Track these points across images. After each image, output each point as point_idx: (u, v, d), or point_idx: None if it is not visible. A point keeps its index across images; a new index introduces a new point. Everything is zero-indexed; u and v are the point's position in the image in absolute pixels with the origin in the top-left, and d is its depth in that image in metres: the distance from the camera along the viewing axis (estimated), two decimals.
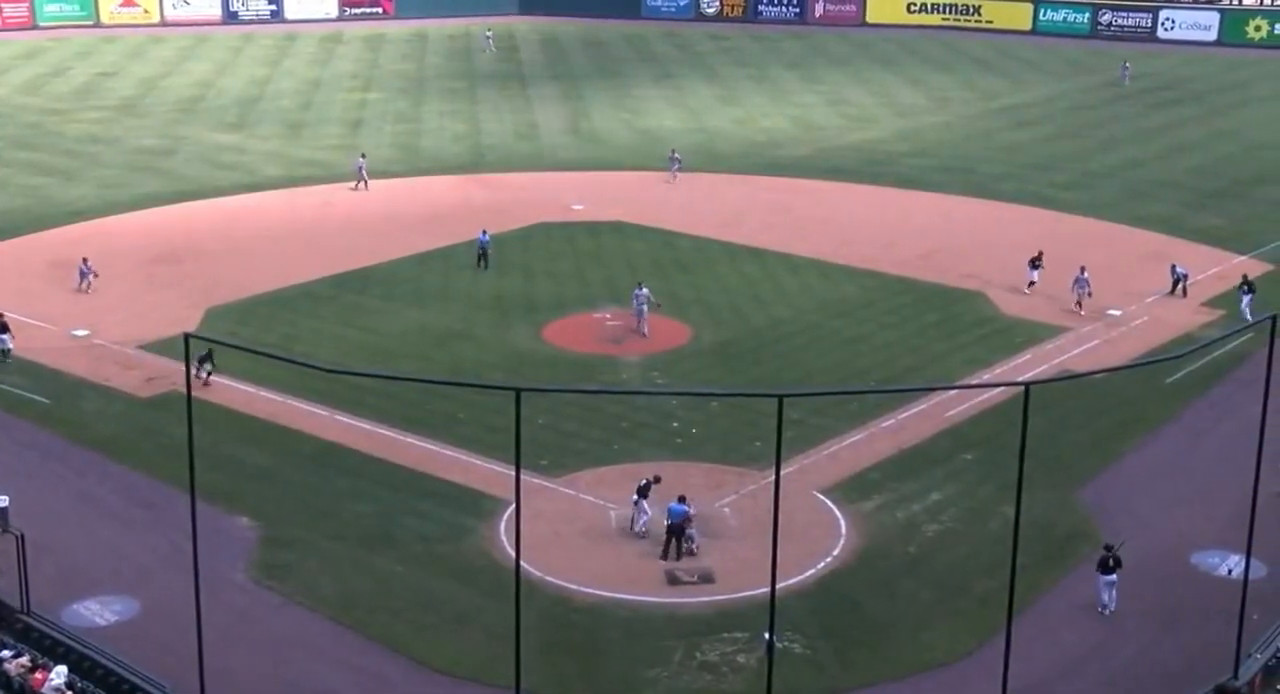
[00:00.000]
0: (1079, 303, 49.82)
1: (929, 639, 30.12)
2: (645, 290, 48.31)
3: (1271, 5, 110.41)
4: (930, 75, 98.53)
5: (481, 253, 55.20)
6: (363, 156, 69.17)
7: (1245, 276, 50.36)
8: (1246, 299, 48.93)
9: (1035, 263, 52.29)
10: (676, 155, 70.05)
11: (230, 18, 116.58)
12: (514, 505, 25.48)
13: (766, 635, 24.34)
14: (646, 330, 47.65)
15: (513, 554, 26.79)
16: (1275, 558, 31.78)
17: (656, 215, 62.80)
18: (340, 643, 29.83)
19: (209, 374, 41.96)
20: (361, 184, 67.54)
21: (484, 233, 55.95)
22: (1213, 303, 50.98)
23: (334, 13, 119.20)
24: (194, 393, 25.26)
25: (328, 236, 59.69)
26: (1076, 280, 50.10)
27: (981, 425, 40.20)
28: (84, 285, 51.25)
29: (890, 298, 52.18)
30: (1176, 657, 29.41)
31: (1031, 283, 51.88)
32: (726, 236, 59.66)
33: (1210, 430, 40.68)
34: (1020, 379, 41.64)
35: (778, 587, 23.28)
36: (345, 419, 40.50)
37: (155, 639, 29.06)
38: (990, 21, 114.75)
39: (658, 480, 34.44)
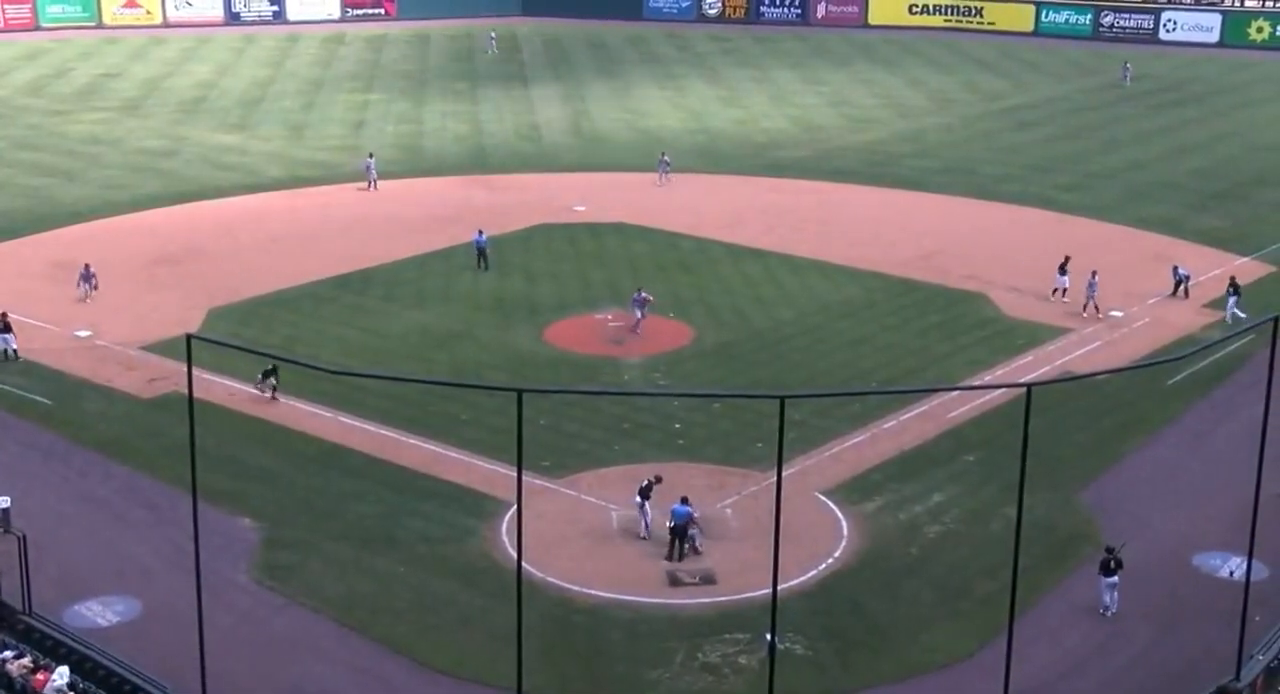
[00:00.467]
0: (1095, 307, 49.63)
1: (931, 640, 30.11)
2: (645, 294, 48.39)
3: (1273, 7, 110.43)
4: (932, 76, 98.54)
5: (479, 253, 55.19)
6: (370, 156, 69.15)
7: (1232, 279, 50.45)
8: (1232, 301, 49.06)
9: (1063, 269, 51.58)
10: (666, 158, 69.93)
11: (232, 19, 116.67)
12: (516, 506, 25.44)
13: (768, 636, 24.32)
14: (640, 329, 47.68)
15: (515, 555, 26.79)
16: (1277, 559, 31.75)
17: (658, 216, 62.76)
18: (342, 644, 29.82)
19: (274, 390, 41.47)
20: (371, 185, 67.58)
21: (480, 233, 55.89)
22: (1214, 304, 50.84)
23: (336, 14, 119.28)
24: (197, 394, 25.22)
25: (329, 237, 59.68)
26: (1089, 284, 49.97)
27: (983, 427, 40.20)
28: (84, 295, 50.56)
29: (892, 299, 52.17)
30: (1178, 658, 29.38)
31: (1058, 289, 51.07)
32: (729, 238, 59.65)
33: (1211, 432, 40.65)
34: (1022, 380, 41.45)
35: (779, 588, 23.25)
36: (347, 420, 40.49)
37: (157, 640, 29.05)
38: (992, 23, 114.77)
39: (659, 480, 34.42)
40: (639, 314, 48.17)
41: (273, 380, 41.45)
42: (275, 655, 29.34)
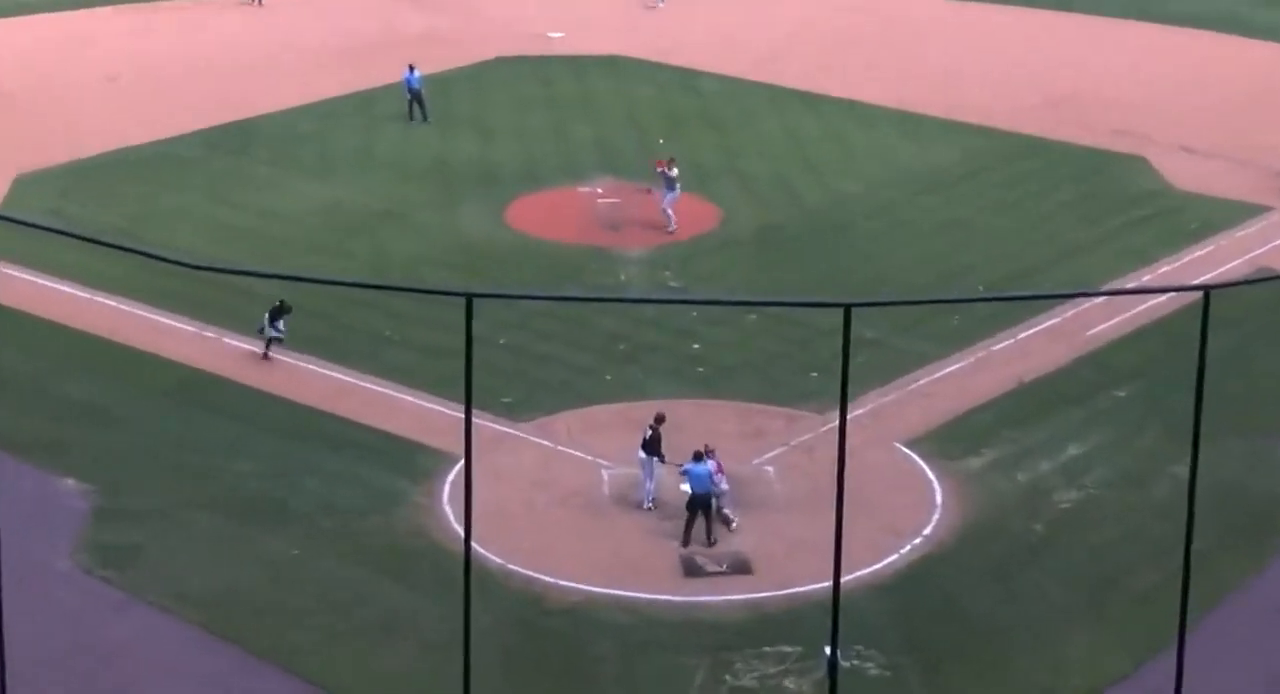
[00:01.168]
0: None
1: (1063, 656, 30.05)
2: (675, 171, 47.22)
3: None
4: None
5: (413, 100, 55.50)
6: None
7: None
8: None
9: None
10: None
11: None
12: (463, 462, 25.18)
13: (827, 650, 24.04)
14: (674, 219, 46.84)
15: (461, 532, 26.60)
16: None
17: (667, 46, 63.22)
18: (208, 657, 29.72)
19: (271, 341, 39.63)
20: None
21: (411, 70, 56.22)
22: None
23: None
24: (1, 299, 24.81)
25: (194, 75, 59.93)
26: None
27: (1140, 348, 40.34)
28: None
29: (1006, 165, 52.47)
30: None
31: None
32: (769, 76, 59.99)
33: None
34: (1197, 281, 41.74)
35: (843, 580, 22.87)
36: (219, 337, 40.48)
37: None
38: None
39: (661, 420, 34.32)
40: (668, 194, 47.01)
41: (280, 325, 39.46)
42: (111, 673, 29.28)
